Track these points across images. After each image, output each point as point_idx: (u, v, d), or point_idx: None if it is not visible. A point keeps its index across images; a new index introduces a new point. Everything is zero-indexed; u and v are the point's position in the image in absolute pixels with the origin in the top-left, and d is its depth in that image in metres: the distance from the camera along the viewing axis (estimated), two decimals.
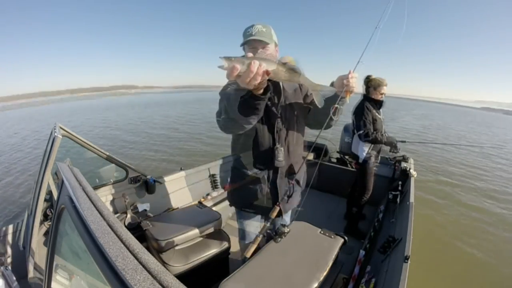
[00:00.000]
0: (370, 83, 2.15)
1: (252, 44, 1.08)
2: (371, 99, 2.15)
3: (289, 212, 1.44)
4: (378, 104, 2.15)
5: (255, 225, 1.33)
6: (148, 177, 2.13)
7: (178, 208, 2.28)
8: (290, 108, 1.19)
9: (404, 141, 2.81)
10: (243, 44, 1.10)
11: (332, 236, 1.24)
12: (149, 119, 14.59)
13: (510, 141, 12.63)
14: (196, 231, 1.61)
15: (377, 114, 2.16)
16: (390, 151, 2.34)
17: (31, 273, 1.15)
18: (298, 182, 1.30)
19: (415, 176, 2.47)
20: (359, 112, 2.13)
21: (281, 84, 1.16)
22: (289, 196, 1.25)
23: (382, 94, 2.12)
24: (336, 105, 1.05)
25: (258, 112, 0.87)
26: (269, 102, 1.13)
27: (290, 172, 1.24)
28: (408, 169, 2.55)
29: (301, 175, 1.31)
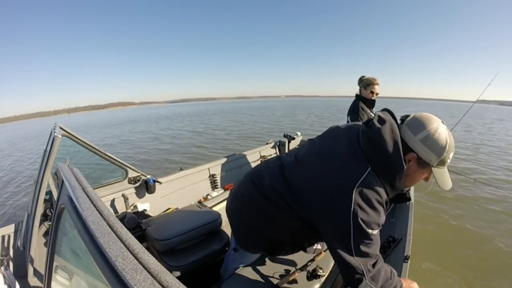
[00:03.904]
0: (362, 83, 2.16)
1: None
2: (364, 99, 2.16)
3: None
4: (370, 103, 2.16)
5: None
6: (148, 177, 2.13)
7: (178, 208, 2.28)
8: None
9: None
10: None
11: None
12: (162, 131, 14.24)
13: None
14: (196, 231, 1.60)
15: (371, 113, 2.16)
16: None
17: (31, 273, 1.15)
18: None
19: None
20: (355, 112, 2.13)
21: None
22: None
23: (373, 93, 2.12)
24: None
25: None
26: None
27: None
28: None
29: None
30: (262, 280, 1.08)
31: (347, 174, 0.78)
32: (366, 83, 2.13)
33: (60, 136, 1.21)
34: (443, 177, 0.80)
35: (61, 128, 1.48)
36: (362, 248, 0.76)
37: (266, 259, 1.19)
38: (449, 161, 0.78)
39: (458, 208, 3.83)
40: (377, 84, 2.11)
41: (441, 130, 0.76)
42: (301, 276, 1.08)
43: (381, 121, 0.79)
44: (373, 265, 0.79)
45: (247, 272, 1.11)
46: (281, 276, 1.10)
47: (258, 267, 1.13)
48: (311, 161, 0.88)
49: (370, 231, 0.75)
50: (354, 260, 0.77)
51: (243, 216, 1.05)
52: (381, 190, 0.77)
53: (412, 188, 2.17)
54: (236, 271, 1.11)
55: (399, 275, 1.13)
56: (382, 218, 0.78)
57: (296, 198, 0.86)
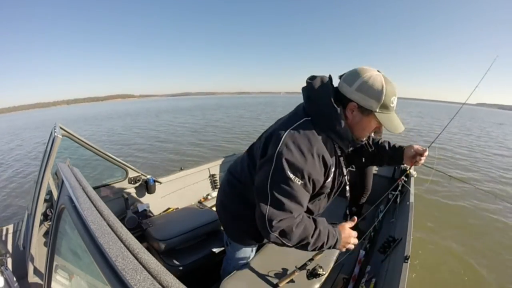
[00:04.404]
0: None
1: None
2: None
3: None
4: None
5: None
6: (148, 177, 2.12)
7: (178, 208, 2.28)
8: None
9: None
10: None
11: None
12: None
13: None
14: (196, 231, 1.61)
15: None
16: None
17: (31, 273, 1.15)
18: None
19: (415, 176, 2.47)
20: None
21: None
22: None
23: None
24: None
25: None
26: (345, 171, 0.96)
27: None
28: (408, 169, 2.55)
29: None
30: (262, 280, 1.08)
31: (283, 125, 0.83)
32: None
33: (60, 136, 1.21)
34: (390, 121, 0.81)
35: (61, 128, 1.48)
36: (278, 194, 0.75)
37: (265, 259, 1.19)
38: (392, 105, 0.79)
39: (456, 215, 3.82)
40: None
41: (375, 77, 0.77)
42: (300, 276, 1.08)
43: (312, 78, 0.85)
44: (280, 221, 0.76)
45: (246, 271, 1.11)
46: (280, 276, 1.09)
47: (257, 267, 1.13)
48: (266, 132, 0.93)
49: (291, 174, 0.74)
50: (265, 209, 0.76)
51: (227, 207, 1.09)
52: (314, 139, 0.78)
53: (412, 188, 2.17)
54: (235, 271, 1.11)
55: (399, 275, 1.13)
56: (309, 168, 0.76)
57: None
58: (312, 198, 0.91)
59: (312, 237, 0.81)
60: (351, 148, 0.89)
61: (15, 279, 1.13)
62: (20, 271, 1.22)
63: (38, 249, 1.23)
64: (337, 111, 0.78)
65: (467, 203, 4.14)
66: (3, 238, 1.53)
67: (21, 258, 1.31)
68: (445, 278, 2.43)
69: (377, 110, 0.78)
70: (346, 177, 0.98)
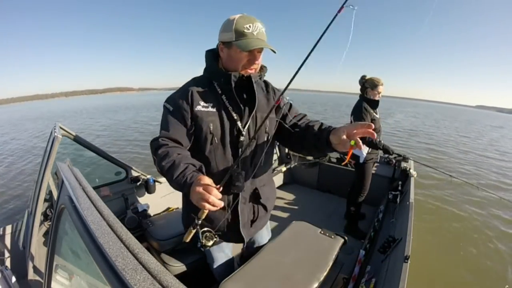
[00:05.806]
0: (367, 83, 2.15)
1: (256, 55, 0.91)
2: (368, 100, 2.15)
3: (264, 231, 1.28)
4: (375, 104, 2.15)
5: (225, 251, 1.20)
6: (148, 177, 2.12)
7: (178, 208, 2.28)
8: (260, 122, 0.98)
9: (406, 158, 2.72)
10: (241, 48, 0.86)
11: (332, 236, 1.24)
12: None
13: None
14: None
15: (374, 114, 2.15)
16: (384, 154, 2.37)
17: (30, 273, 1.15)
18: (265, 207, 1.11)
19: (415, 176, 2.47)
20: (358, 113, 2.12)
21: (255, 90, 0.96)
22: (253, 221, 1.10)
23: (379, 93, 2.12)
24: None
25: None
26: (235, 115, 0.94)
27: (256, 197, 1.06)
28: (408, 169, 2.55)
29: (269, 197, 1.14)
30: (260, 280, 1.07)
31: None
32: (373, 84, 2.12)
33: (60, 136, 1.21)
34: (248, 43, 0.87)
35: (61, 128, 1.48)
36: (161, 119, 0.94)
37: (264, 259, 1.18)
38: (248, 31, 0.86)
39: (461, 209, 3.83)
40: (382, 84, 2.12)
41: (232, 17, 0.89)
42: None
43: None
44: (151, 142, 0.92)
45: (245, 272, 1.11)
46: (279, 277, 1.08)
47: (256, 267, 1.13)
48: None
49: (166, 104, 0.94)
50: None
51: None
52: (187, 82, 0.97)
53: (412, 188, 2.17)
54: (234, 272, 1.11)
55: (399, 275, 1.13)
56: (173, 96, 0.94)
57: None
58: (197, 137, 0.93)
59: (166, 163, 0.83)
60: (224, 80, 0.93)
61: (14, 278, 1.13)
62: (20, 271, 1.22)
63: (38, 249, 1.23)
64: (207, 54, 0.97)
65: (466, 201, 4.15)
66: (4, 238, 1.53)
67: (21, 257, 1.31)
68: (445, 277, 2.43)
69: (234, 39, 0.86)
70: (240, 124, 0.94)
